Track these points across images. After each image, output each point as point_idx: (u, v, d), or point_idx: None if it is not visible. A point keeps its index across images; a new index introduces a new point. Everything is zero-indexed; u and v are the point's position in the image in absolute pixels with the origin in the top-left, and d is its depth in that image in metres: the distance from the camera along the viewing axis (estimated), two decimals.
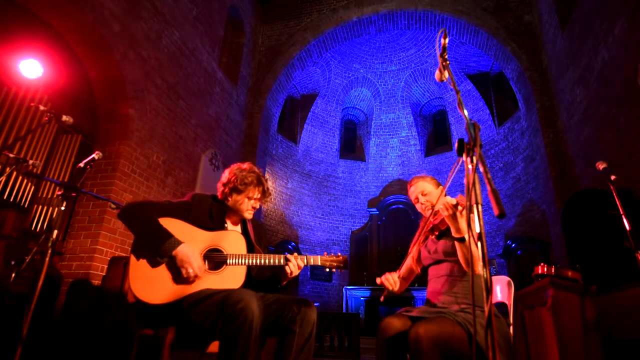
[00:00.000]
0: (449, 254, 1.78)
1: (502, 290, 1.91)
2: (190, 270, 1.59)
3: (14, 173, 3.68)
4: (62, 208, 1.96)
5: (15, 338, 1.71)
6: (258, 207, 1.93)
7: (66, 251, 3.94)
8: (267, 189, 1.91)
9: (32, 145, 3.95)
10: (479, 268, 0.94)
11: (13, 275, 2.07)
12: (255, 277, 1.87)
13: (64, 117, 2.27)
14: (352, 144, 10.68)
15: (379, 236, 9.09)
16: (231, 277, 1.69)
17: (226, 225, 1.88)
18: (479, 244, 0.92)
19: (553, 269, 2.78)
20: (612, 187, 2.67)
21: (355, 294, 8.33)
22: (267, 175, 8.22)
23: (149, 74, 4.76)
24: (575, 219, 4.65)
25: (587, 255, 4.26)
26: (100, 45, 4.16)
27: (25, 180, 3.79)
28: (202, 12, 6.04)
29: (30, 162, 2.27)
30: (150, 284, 1.59)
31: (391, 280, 1.78)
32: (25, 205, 3.80)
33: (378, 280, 1.81)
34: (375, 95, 10.35)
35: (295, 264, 1.78)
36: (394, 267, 1.90)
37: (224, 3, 6.77)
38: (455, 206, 1.60)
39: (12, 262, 2.24)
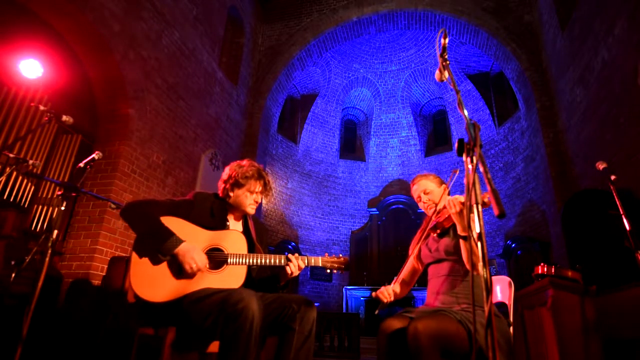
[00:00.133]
0: (450, 253, 1.77)
1: (502, 290, 1.91)
2: (194, 265, 1.60)
3: (14, 173, 3.67)
4: (62, 208, 1.96)
5: (15, 338, 1.70)
6: (260, 201, 1.94)
7: (66, 251, 3.94)
8: (268, 181, 1.92)
9: (32, 145, 3.95)
10: (480, 268, 0.94)
11: (13, 275, 2.07)
12: (256, 277, 1.87)
13: (64, 117, 2.27)
14: (352, 144, 10.68)
15: (379, 236, 9.09)
16: (232, 277, 1.69)
17: (228, 222, 1.87)
18: (479, 244, 0.92)
19: (553, 269, 2.78)
20: (612, 187, 2.67)
21: (355, 294, 8.33)
22: None
23: (149, 74, 4.76)
24: (575, 219, 4.65)
25: (587, 255, 4.26)
26: (100, 45, 4.17)
27: (25, 180, 3.79)
28: (202, 12, 6.03)
29: (30, 162, 2.27)
30: (151, 282, 1.59)
31: (385, 293, 1.78)
32: (25, 205, 3.80)
33: (373, 294, 1.81)
34: (375, 95, 10.35)
35: (296, 265, 1.79)
36: (394, 267, 1.91)
37: (224, 3, 6.77)
38: (463, 203, 1.60)
39: (12, 262, 2.24)
